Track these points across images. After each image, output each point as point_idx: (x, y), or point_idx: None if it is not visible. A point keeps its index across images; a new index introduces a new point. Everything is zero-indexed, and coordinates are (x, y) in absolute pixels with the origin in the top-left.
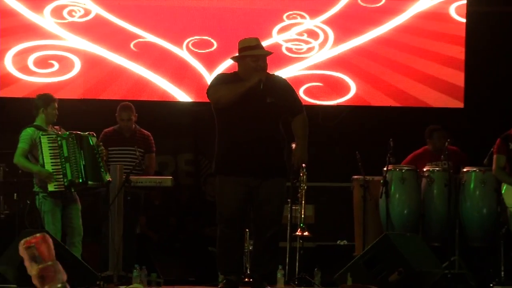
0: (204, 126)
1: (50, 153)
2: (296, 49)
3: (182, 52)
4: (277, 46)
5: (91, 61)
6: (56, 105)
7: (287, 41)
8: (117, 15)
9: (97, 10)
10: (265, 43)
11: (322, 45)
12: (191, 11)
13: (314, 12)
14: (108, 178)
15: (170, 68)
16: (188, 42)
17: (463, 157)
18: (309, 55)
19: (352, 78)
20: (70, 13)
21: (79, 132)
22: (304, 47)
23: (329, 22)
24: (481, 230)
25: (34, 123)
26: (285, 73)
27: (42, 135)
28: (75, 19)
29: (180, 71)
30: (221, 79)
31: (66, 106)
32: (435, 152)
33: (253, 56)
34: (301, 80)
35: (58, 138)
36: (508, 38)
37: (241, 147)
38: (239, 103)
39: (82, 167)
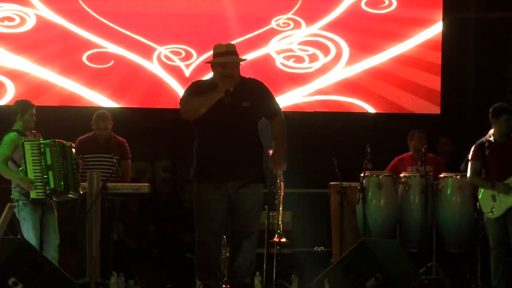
0: (181, 133)
1: (32, 159)
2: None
3: (153, 65)
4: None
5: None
6: (34, 111)
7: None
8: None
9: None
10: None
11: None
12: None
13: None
14: (81, 190)
15: (147, 77)
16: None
17: (440, 164)
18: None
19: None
20: None
21: (62, 141)
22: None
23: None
24: (458, 235)
25: (15, 128)
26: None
27: (25, 141)
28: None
29: (156, 80)
30: (194, 89)
31: (41, 113)
32: (415, 155)
33: (221, 64)
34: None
35: (42, 145)
36: (484, 44)
37: (218, 153)
38: (215, 109)
39: (63, 176)
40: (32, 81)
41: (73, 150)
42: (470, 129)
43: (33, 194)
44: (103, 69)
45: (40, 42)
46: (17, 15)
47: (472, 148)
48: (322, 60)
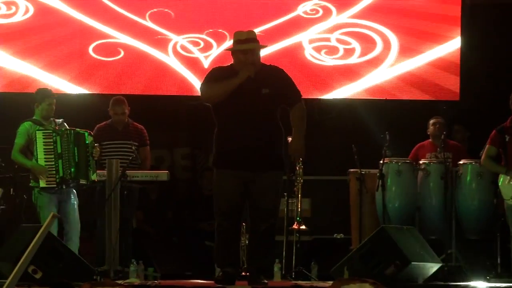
0: (200, 120)
1: (44, 148)
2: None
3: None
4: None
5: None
6: (53, 101)
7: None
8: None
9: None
10: None
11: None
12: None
13: None
14: (94, 178)
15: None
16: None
17: (462, 151)
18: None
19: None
20: None
21: (77, 129)
22: None
23: None
24: (478, 222)
25: (33, 117)
26: None
27: (37, 130)
28: None
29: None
30: (214, 75)
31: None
32: (435, 142)
33: (242, 50)
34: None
35: (54, 134)
36: (504, 30)
37: (238, 140)
38: (235, 96)
39: (74, 164)
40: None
41: (89, 137)
42: (490, 115)
43: (42, 183)
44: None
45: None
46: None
47: (492, 133)
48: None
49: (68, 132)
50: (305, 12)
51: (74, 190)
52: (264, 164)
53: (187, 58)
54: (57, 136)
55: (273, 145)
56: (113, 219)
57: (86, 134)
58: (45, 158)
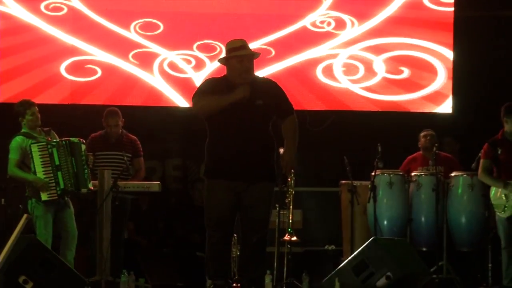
0: (192, 131)
1: (41, 161)
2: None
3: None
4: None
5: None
6: (34, 110)
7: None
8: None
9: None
10: None
11: None
12: (198, 17)
13: None
14: (90, 186)
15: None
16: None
17: (455, 164)
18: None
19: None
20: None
21: (70, 139)
22: None
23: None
24: (469, 235)
25: (22, 131)
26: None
27: (32, 143)
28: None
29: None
30: (207, 86)
31: (52, 111)
32: (426, 154)
33: (237, 57)
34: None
35: (49, 146)
36: (496, 42)
37: (229, 150)
38: (228, 106)
39: (73, 174)
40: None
41: (83, 145)
42: (482, 128)
43: (44, 197)
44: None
45: None
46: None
47: (484, 146)
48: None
49: (64, 143)
50: (314, 25)
51: (69, 200)
52: (256, 175)
53: (177, 78)
54: (52, 148)
55: (265, 156)
56: (104, 230)
57: (80, 143)
58: (43, 171)
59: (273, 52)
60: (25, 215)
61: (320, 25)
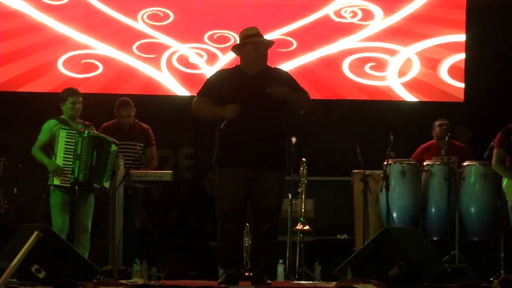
0: (204, 121)
1: (65, 147)
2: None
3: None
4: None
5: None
6: (76, 100)
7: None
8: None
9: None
10: None
11: None
12: (209, 5)
13: None
14: (106, 185)
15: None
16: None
17: (468, 153)
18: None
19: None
20: None
21: (102, 135)
22: None
23: None
24: (481, 224)
25: (60, 116)
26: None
27: (62, 128)
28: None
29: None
30: (214, 81)
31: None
32: (439, 143)
33: (252, 43)
34: None
35: (76, 135)
36: (509, 31)
37: (241, 139)
38: (239, 95)
39: (90, 167)
40: None
41: (114, 146)
42: (495, 116)
43: (56, 181)
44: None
45: None
46: None
47: (498, 135)
48: None
49: (91, 135)
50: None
51: (92, 196)
52: (266, 163)
53: (188, 74)
54: (79, 138)
55: (275, 144)
56: (117, 219)
57: (111, 142)
58: (64, 157)
59: (295, 44)
60: (36, 232)
61: (344, 14)
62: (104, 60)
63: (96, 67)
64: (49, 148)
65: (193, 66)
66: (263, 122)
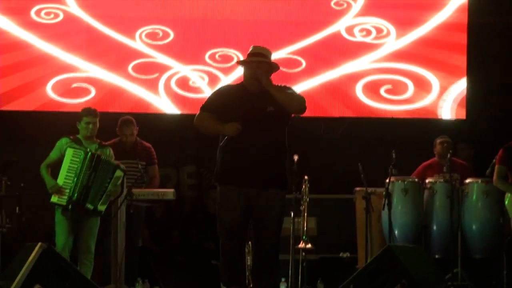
0: (206, 138)
1: (69, 166)
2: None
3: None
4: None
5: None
6: (91, 120)
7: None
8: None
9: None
10: None
11: None
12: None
13: None
14: (101, 209)
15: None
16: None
17: (470, 170)
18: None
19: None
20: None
21: (108, 159)
22: None
23: None
24: (484, 241)
25: (77, 135)
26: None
27: (69, 147)
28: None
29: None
30: (213, 104)
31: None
32: (441, 161)
33: (247, 63)
34: None
35: (82, 154)
36: (510, 48)
37: (241, 157)
38: (240, 112)
39: (85, 187)
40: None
41: (119, 171)
42: (497, 133)
43: (53, 199)
44: None
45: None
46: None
47: (499, 152)
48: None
49: (93, 155)
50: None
51: (96, 218)
52: (267, 181)
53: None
54: (83, 157)
55: (276, 163)
56: (119, 238)
57: (115, 166)
58: (66, 175)
59: (304, 63)
60: (39, 243)
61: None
62: (96, 83)
63: (88, 92)
64: (58, 166)
65: (194, 90)
66: (264, 140)
